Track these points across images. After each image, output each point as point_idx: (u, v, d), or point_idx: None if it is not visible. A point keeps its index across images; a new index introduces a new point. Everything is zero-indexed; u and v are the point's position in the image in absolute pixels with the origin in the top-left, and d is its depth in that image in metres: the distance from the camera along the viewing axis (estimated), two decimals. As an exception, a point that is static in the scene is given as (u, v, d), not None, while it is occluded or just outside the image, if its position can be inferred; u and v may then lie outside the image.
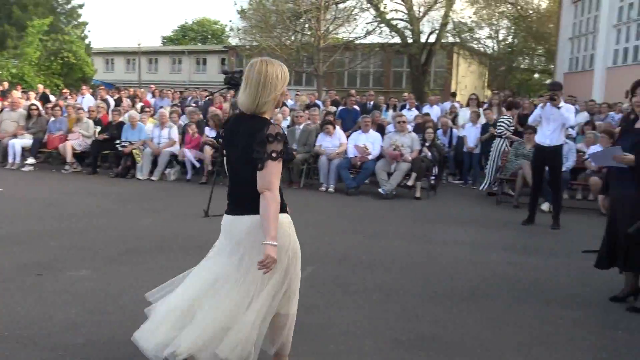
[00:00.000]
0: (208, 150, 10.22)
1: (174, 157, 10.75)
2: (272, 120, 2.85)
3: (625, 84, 17.14)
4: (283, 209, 2.94)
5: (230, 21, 54.34)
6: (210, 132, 10.72)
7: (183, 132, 11.11)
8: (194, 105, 13.93)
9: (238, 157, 2.89)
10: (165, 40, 55.49)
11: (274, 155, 2.73)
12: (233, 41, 30.86)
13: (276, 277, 2.88)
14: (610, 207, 4.62)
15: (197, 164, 10.49)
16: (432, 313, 4.22)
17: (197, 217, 7.29)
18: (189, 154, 10.42)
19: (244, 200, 2.87)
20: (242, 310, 2.80)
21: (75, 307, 4.09)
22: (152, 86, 19.71)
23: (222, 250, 3.07)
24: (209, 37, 55.01)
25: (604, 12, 21.73)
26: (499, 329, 3.97)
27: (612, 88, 20.44)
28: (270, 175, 2.74)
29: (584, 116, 12.68)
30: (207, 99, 14.19)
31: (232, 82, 7.69)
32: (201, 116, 11.82)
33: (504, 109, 11.53)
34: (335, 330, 3.84)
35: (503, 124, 9.92)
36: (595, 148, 9.12)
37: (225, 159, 3.08)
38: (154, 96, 16.88)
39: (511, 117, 10.35)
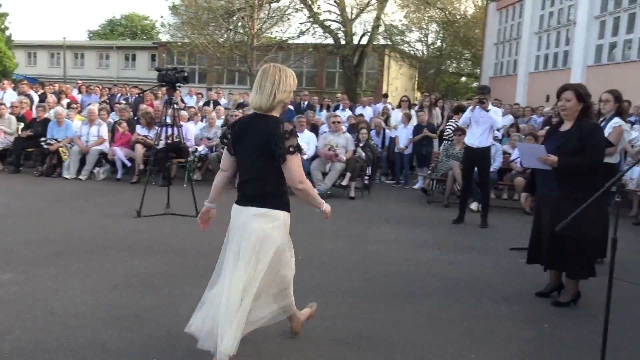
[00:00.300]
0: (139, 149, 9.95)
1: (103, 155, 10.42)
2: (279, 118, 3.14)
3: (546, 89, 18.15)
4: (288, 208, 3.28)
5: (162, 17, 53.12)
6: (141, 130, 10.45)
7: (113, 129, 10.78)
8: (123, 102, 13.54)
9: (250, 153, 3.16)
10: (91, 35, 53.65)
11: (291, 149, 3.05)
12: (164, 37, 30.25)
13: (272, 261, 3.23)
14: (536, 207, 4.83)
15: (128, 163, 10.20)
16: (369, 312, 4.28)
17: (129, 218, 7.10)
18: (120, 153, 10.12)
19: (251, 194, 3.22)
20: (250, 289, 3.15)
21: (0, 312, 3.90)
22: (79, 82, 18.98)
23: (229, 242, 3.37)
24: (138, 32, 53.61)
25: (527, 20, 22.73)
26: (435, 325, 4.07)
27: (534, 92, 21.42)
28: (295, 167, 3.09)
29: (509, 119, 13.19)
30: (137, 96, 13.82)
31: (166, 79, 7.52)
32: (131, 114, 11.50)
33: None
34: (274, 331, 3.82)
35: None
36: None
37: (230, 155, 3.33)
38: (80, 92, 16.27)
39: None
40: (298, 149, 3.11)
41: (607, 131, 5.54)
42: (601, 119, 5.80)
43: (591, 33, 18.39)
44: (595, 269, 4.59)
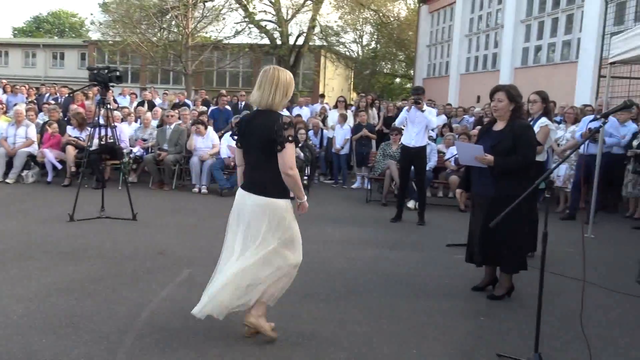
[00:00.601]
0: (71, 151, 9.60)
1: (32, 157, 9.98)
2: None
3: (476, 90, 18.67)
4: (288, 195, 3.63)
5: (91, 14, 51.53)
6: (72, 131, 10.08)
7: (41, 131, 10.36)
8: (52, 102, 13.02)
9: (254, 145, 3.58)
10: (16, 32, 51.35)
11: (289, 138, 3.44)
12: (94, 35, 29.30)
13: (274, 241, 3.59)
14: (472, 205, 4.99)
15: (59, 166, 9.82)
16: (311, 311, 4.30)
17: (61, 222, 6.85)
18: (49, 155, 9.74)
19: (255, 183, 3.60)
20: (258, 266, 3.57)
21: None
22: (4, 81, 18.08)
23: (232, 224, 3.72)
24: (66, 30, 51.73)
25: (457, 23, 23.40)
26: (376, 322, 4.14)
27: (466, 93, 22.08)
28: (289, 155, 3.46)
29: (442, 119, 13.54)
30: (68, 95, 13.34)
31: (98, 78, 7.29)
32: (61, 114, 11.09)
33: None
34: (217, 333, 3.80)
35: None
36: (454, 149, 9.81)
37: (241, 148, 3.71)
38: (5, 92, 15.52)
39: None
40: (295, 139, 3.51)
41: (534, 130, 5.77)
42: (529, 118, 6.04)
43: (518, 36, 19.12)
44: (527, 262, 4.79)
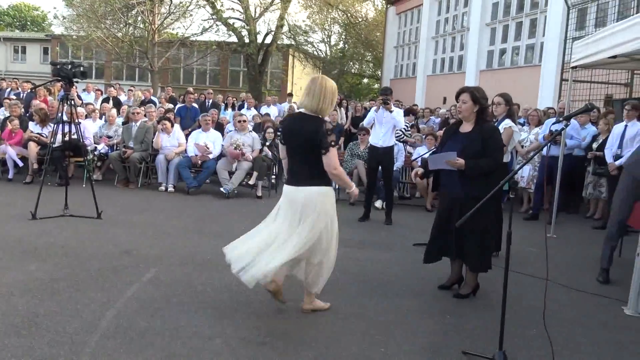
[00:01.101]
0: (33, 147, 9.37)
1: (-8, 154, 9.73)
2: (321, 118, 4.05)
3: (442, 91, 18.94)
4: (331, 183, 4.12)
5: (55, 8, 50.33)
6: (35, 128, 9.85)
7: (2, 126, 10.09)
8: (14, 97, 12.70)
9: (300, 145, 4.06)
10: (-26, 25, 49.94)
11: (332, 143, 3.98)
12: (57, 30, 28.65)
13: (317, 231, 4.05)
14: (440, 205, 5.05)
15: (20, 163, 9.58)
16: (280, 310, 4.30)
17: (23, 220, 6.70)
18: (11, 151, 9.49)
19: (303, 177, 4.08)
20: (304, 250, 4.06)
21: None
22: (-39, 75, 17.59)
23: (284, 213, 4.16)
24: (28, 23, 50.51)
25: (424, 25, 23.68)
26: (344, 321, 4.16)
27: (432, 94, 22.36)
28: (334, 157, 3.99)
29: (409, 119, 13.67)
30: (30, 91, 13.03)
31: (62, 73, 7.14)
32: (23, 110, 10.83)
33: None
34: (184, 333, 3.77)
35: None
36: (421, 149, 9.92)
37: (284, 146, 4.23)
38: (-37, 86, 15.08)
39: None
40: (336, 143, 4.14)
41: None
42: (494, 120, 6.15)
43: (483, 39, 19.45)
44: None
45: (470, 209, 3.65)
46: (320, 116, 4.04)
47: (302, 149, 4.05)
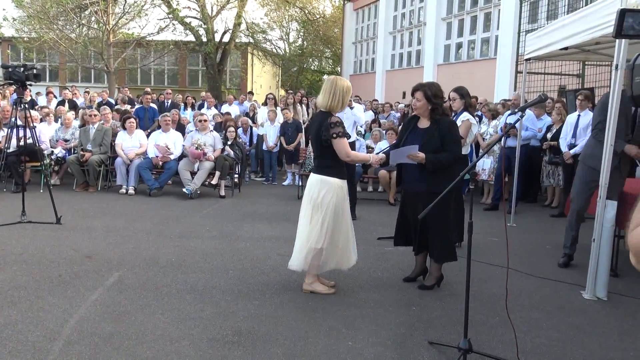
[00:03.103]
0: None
1: (-58, 161, 9.39)
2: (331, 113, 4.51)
3: (401, 85, 19.15)
4: (341, 176, 4.55)
5: (4, 9, 48.75)
6: (-13, 133, 9.57)
7: (-48, 133, 9.76)
8: (-37, 102, 12.30)
9: (313, 139, 4.65)
10: None
11: (334, 135, 4.40)
12: (7, 32, 27.75)
13: (308, 215, 4.59)
14: (402, 199, 5.11)
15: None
16: (247, 309, 4.30)
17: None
18: (-38, 158, 9.19)
19: (315, 166, 4.71)
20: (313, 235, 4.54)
21: None
22: None
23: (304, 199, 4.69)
24: (-24, 26, 48.85)
25: (381, 20, 23.86)
26: (310, 316, 4.18)
27: (391, 89, 22.57)
28: (340, 147, 4.43)
29: (370, 115, 13.80)
30: (-19, 95, 12.65)
31: (14, 77, 6.95)
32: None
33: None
34: (150, 336, 3.73)
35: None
36: (382, 144, 10.01)
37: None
38: None
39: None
40: (342, 135, 4.42)
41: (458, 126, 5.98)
42: (453, 114, 6.26)
43: (439, 34, 19.72)
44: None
45: (432, 201, 3.70)
46: (329, 112, 4.49)
47: (314, 141, 4.62)
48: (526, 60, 7.68)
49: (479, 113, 9.86)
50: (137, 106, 12.97)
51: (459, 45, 19.14)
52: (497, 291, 4.79)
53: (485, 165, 9.09)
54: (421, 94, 4.76)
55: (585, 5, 7.34)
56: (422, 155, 4.60)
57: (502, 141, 8.35)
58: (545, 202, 9.42)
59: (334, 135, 4.38)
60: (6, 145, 7.28)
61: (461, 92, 6.23)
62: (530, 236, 7.18)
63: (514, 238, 6.90)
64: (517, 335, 3.69)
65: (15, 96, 7.14)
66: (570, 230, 5.74)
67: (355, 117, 7.71)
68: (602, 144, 4.80)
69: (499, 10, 16.57)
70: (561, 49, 6.28)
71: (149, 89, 14.09)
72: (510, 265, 4.60)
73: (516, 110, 6.40)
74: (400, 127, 6.59)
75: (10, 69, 7.00)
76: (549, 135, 8.92)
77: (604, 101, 5.25)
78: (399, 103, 16.20)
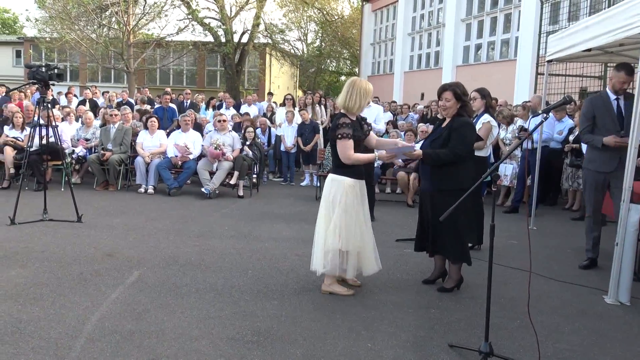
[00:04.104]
0: (9, 152, 9.23)
1: (-34, 159, 9.55)
2: (346, 114, 4.52)
3: (420, 87, 19.03)
4: (354, 175, 4.52)
5: (27, 10, 49.47)
6: (10, 132, 9.69)
7: (-24, 131, 9.92)
8: (-13, 102, 12.50)
9: (330, 139, 4.67)
10: (-56, 28, 48.98)
11: (339, 135, 4.39)
12: (30, 32, 28.14)
13: (320, 214, 4.67)
14: (420, 199, 5.10)
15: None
16: (266, 309, 4.30)
17: (1, 225, 6.61)
18: (-15, 157, 9.34)
19: (332, 165, 4.78)
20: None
21: None
22: None
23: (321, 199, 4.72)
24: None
25: (400, 21, 23.77)
26: (329, 317, 4.17)
27: (409, 90, 22.47)
28: (340, 148, 4.43)
29: (388, 116, 13.75)
30: (4, 94, 12.83)
31: (38, 76, 7.04)
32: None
33: None
34: (170, 334, 3.75)
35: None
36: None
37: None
38: None
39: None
40: (346, 135, 4.38)
41: (477, 127, 5.94)
42: (474, 115, 6.22)
43: (459, 35, 19.60)
44: (473, 255, 4.93)
45: (438, 201, 3.69)
46: (346, 113, 4.51)
47: (330, 141, 4.72)
48: (548, 61, 7.60)
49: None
50: (156, 106, 13.07)
51: (478, 47, 19.02)
52: (516, 294, 4.75)
53: (508, 171, 9.02)
54: (450, 93, 4.71)
55: (608, 7, 7.25)
56: (418, 152, 4.62)
57: (525, 144, 8.28)
58: (566, 205, 9.32)
59: (339, 136, 4.39)
60: (29, 144, 7.36)
61: (483, 92, 6.19)
62: (551, 239, 7.10)
63: (535, 241, 6.83)
64: (538, 340, 3.64)
65: (37, 95, 7.21)
66: (591, 233, 5.71)
67: (375, 118, 7.71)
68: (592, 147, 5.53)
69: (519, 11, 16.43)
70: (584, 51, 6.21)
71: (169, 90, 14.18)
72: (531, 268, 4.55)
73: (540, 111, 6.36)
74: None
75: (33, 69, 7.09)
76: (570, 138, 8.82)
77: (584, 107, 5.75)
78: (418, 104, 16.13)
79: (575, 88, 11.47)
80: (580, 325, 4.20)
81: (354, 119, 4.55)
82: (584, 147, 7.98)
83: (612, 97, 5.45)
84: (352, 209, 4.51)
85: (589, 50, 6.13)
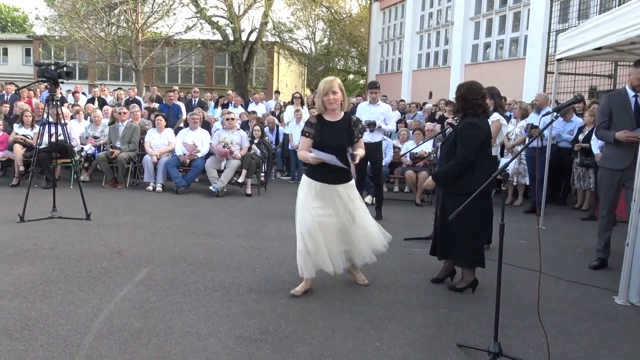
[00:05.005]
0: (18, 149, 9.28)
1: (-23, 157, 9.62)
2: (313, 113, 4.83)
3: (428, 85, 18.97)
4: (310, 175, 4.66)
5: (36, 9, 49.67)
6: (20, 129, 9.74)
7: (-14, 129, 9.98)
8: (-3, 99, 12.56)
9: None
10: (-46, 26, 49.32)
11: (303, 131, 4.61)
12: (39, 31, 28.27)
13: None
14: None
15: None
16: (273, 307, 4.30)
17: (10, 223, 6.64)
18: (-5, 155, 9.40)
19: None
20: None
21: None
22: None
23: None
24: (9, 25, 49.94)
25: (408, 20, 23.70)
26: (337, 316, 4.17)
27: (418, 89, 22.40)
28: (300, 143, 4.67)
29: (397, 115, 13.71)
30: (14, 92, 12.90)
31: (47, 74, 7.07)
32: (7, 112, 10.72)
33: None
34: (178, 332, 3.76)
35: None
36: (409, 144, 9.94)
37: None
38: (-54, 88, 14.88)
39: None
40: (305, 133, 4.55)
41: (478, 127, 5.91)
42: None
43: (467, 33, 19.52)
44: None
45: (449, 204, 3.68)
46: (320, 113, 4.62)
47: None
48: (557, 60, 7.55)
49: (509, 113, 9.72)
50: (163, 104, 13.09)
51: (487, 45, 18.93)
52: (525, 294, 4.72)
53: (509, 167, 8.97)
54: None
55: (619, 5, 7.19)
56: (431, 183, 5.10)
57: (535, 142, 8.22)
58: (575, 204, 9.26)
59: (302, 132, 4.62)
60: (38, 141, 7.39)
61: (492, 91, 6.16)
62: (560, 239, 7.06)
63: (544, 241, 6.79)
64: (548, 340, 3.62)
65: (46, 93, 7.24)
66: (604, 233, 5.66)
67: (384, 115, 7.68)
68: (607, 144, 5.51)
69: (529, 9, 16.33)
70: (594, 49, 6.16)
71: (176, 88, 14.20)
72: (540, 268, 4.52)
73: (551, 110, 6.31)
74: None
75: (43, 67, 7.11)
76: (580, 137, 8.76)
77: (602, 103, 5.72)
78: (426, 103, 16.08)
79: (585, 87, 11.38)
80: (590, 326, 4.17)
81: (333, 120, 4.55)
82: (593, 146, 7.94)
83: (631, 94, 5.39)
84: (304, 206, 4.69)
85: (600, 48, 6.08)
